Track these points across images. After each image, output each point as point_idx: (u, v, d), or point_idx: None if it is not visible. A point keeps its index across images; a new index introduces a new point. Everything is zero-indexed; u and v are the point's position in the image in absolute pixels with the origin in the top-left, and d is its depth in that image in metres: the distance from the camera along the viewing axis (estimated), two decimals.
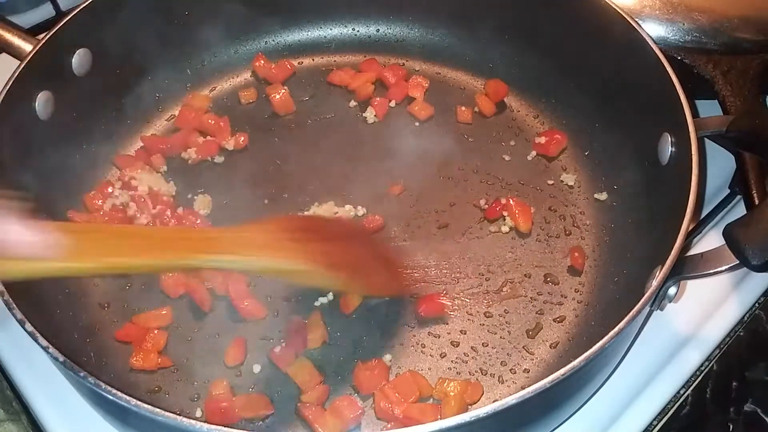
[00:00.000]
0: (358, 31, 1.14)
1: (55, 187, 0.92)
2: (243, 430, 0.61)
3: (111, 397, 0.63)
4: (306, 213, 0.94)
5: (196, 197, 0.97)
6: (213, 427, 0.60)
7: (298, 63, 1.12)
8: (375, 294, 0.86)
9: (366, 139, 1.04)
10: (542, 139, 1.01)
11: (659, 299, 0.74)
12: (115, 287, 0.88)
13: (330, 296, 0.87)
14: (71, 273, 0.61)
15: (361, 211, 0.95)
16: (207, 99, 1.07)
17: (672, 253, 0.69)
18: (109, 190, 0.95)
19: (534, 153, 1.01)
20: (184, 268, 0.73)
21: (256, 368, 0.82)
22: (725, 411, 0.85)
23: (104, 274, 0.67)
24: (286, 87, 1.08)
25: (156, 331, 0.84)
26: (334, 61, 1.13)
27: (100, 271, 0.66)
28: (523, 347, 0.84)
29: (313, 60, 1.13)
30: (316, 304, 0.87)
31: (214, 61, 1.10)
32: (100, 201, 0.94)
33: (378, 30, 1.14)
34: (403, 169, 1.00)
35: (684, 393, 0.85)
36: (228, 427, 0.60)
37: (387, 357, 0.83)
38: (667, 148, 0.83)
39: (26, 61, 0.86)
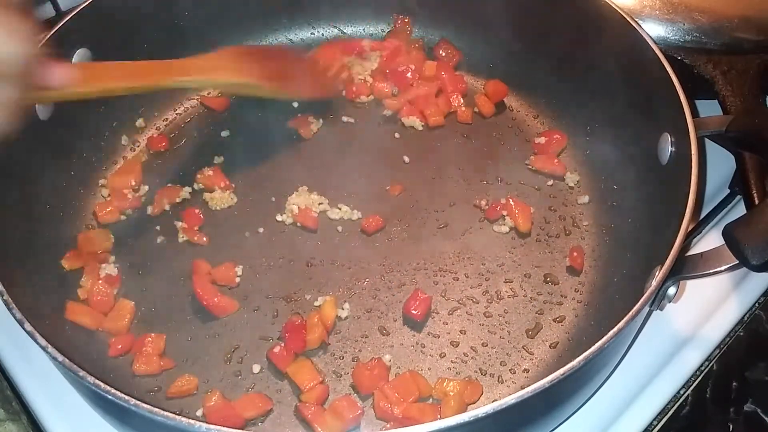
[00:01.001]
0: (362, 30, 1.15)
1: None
2: (243, 430, 0.61)
3: (110, 397, 0.63)
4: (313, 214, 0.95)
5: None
6: (213, 427, 0.60)
7: None
8: (306, 95, 1.06)
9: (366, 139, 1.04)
10: (542, 139, 1.01)
11: (659, 299, 0.74)
12: None
13: (328, 297, 0.87)
14: (81, 96, 0.78)
15: (356, 215, 0.95)
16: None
17: (671, 252, 0.69)
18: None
19: (534, 153, 1.01)
20: (164, 87, 0.93)
21: (256, 368, 0.82)
22: (725, 411, 0.85)
23: (106, 95, 0.84)
24: None
25: (153, 335, 0.83)
26: None
27: (104, 93, 0.83)
28: (523, 347, 0.84)
29: None
30: (316, 303, 0.87)
31: None
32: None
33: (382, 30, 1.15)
34: (403, 169, 1.00)
35: (684, 393, 0.85)
36: (228, 427, 0.60)
37: (387, 357, 0.83)
38: (667, 147, 0.83)
39: None
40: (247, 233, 0.94)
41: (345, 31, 1.15)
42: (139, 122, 1.05)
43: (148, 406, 0.62)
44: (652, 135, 0.86)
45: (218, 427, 0.60)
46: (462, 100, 1.06)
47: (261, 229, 0.94)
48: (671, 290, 0.73)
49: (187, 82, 0.95)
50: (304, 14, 1.13)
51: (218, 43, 1.07)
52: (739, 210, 0.97)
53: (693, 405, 0.85)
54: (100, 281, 0.87)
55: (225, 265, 0.90)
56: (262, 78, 0.98)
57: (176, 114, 1.07)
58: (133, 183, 0.98)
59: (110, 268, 0.89)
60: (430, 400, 0.80)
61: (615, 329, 0.65)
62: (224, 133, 1.05)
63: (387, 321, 0.86)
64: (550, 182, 0.98)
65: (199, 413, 0.78)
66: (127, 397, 0.62)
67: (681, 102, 0.80)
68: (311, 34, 1.14)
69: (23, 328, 0.67)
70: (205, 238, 0.93)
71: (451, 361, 0.83)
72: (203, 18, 1.06)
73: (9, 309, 0.69)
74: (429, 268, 0.90)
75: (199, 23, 1.05)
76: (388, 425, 0.78)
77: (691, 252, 0.89)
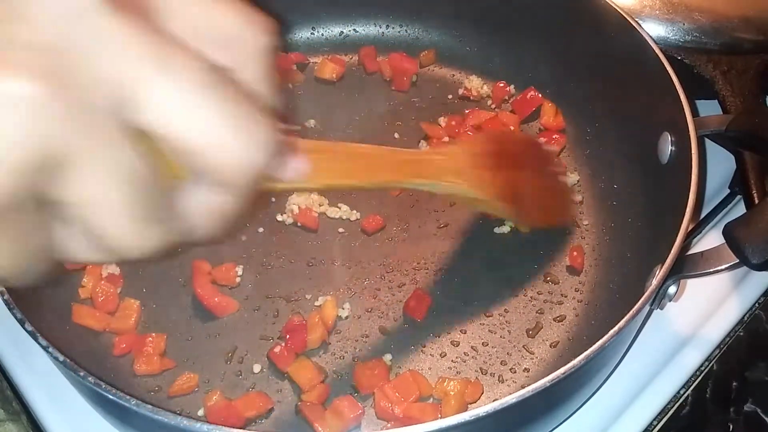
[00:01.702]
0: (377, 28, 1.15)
1: None
2: (243, 430, 0.61)
3: (112, 397, 0.63)
4: (314, 214, 0.95)
5: None
6: (213, 426, 0.60)
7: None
8: (545, 225, 0.90)
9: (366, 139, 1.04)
10: (542, 140, 1.01)
11: (659, 298, 0.74)
12: None
13: (328, 297, 0.87)
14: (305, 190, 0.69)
15: (356, 215, 0.95)
16: None
17: (672, 252, 0.69)
18: None
19: None
20: (396, 187, 0.81)
21: (256, 368, 0.82)
22: (725, 411, 0.85)
23: (329, 189, 0.74)
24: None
25: (154, 335, 0.83)
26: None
27: (327, 188, 0.73)
28: (523, 346, 0.84)
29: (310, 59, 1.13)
30: (317, 303, 0.87)
31: None
32: None
33: (382, 32, 1.15)
34: None
35: (684, 393, 0.85)
36: (229, 427, 0.60)
37: (387, 357, 0.83)
38: (667, 147, 0.84)
39: None
40: (247, 233, 0.94)
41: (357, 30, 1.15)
42: None
43: (150, 406, 0.61)
44: (652, 134, 0.86)
45: (219, 427, 0.60)
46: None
47: (261, 229, 0.94)
48: (672, 289, 0.73)
49: (426, 185, 0.73)
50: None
51: None
52: (739, 210, 0.97)
53: (693, 405, 0.85)
54: (102, 281, 0.87)
55: (225, 266, 0.90)
56: (499, 196, 0.79)
57: None
58: None
59: (113, 267, 0.89)
60: (431, 399, 0.80)
61: (616, 328, 0.65)
62: None
63: (387, 321, 0.86)
64: None
65: (200, 413, 0.79)
66: (128, 397, 0.62)
67: (681, 101, 0.80)
68: (311, 34, 1.15)
69: (24, 328, 0.67)
70: None
71: (452, 361, 0.83)
72: None
73: (10, 309, 0.69)
74: (429, 268, 0.90)
75: None
76: (389, 425, 0.78)
77: (692, 251, 0.89)
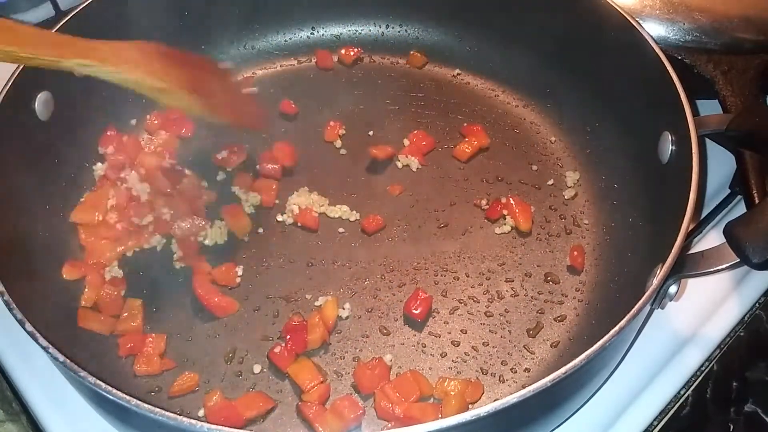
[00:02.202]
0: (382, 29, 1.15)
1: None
2: (243, 430, 0.61)
3: (112, 398, 0.63)
4: (314, 214, 0.95)
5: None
6: (213, 426, 0.60)
7: (296, 62, 1.13)
8: (229, 120, 0.94)
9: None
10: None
11: (660, 297, 0.74)
12: None
13: (329, 297, 0.87)
14: None
15: (356, 215, 0.95)
16: None
17: (673, 251, 0.69)
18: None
19: (534, 152, 1.01)
20: (63, 68, 0.77)
21: (257, 368, 0.82)
22: (726, 411, 0.85)
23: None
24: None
25: (154, 336, 0.83)
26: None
27: None
28: (524, 346, 0.84)
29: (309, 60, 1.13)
30: (317, 303, 0.87)
31: (235, 55, 1.12)
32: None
33: (381, 33, 1.15)
34: (403, 170, 1.00)
35: (684, 393, 0.85)
36: (229, 427, 0.60)
37: (387, 357, 0.83)
38: (667, 147, 0.84)
39: None
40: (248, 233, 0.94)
41: (342, 33, 1.15)
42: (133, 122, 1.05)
43: (150, 406, 0.61)
44: (652, 134, 0.86)
45: (219, 427, 0.60)
46: None
47: (261, 230, 0.94)
48: (672, 288, 0.73)
49: (90, 67, 0.78)
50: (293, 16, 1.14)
51: (226, 42, 1.08)
52: (739, 210, 0.97)
53: (693, 405, 0.85)
54: (106, 285, 0.87)
55: (225, 266, 0.90)
56: (181, 85, 0.85)
57: None
58: None
59: (116, 270, 0.89)
60: (432, 399, 0.80)
61: (616, 328, 0.65)
62: None
63: (388, 321, 0.86)
64: (551, 181, 0.98)
65: (200, 413, 0.78)
66: (128, 398, 0.62)
67: (681, 101, 0.80)
68: (309, 36, 1.15)
69: (24, 329, 0.67)
70: None
71: (452, 361, 0.83)
72: (205, 17, 1.06)
73: (10, 309, 0.69)
74: (429, 268, 0.90)
75: (200, 23, 1.05)
76: (389, 425, 0.77)
77: (692, 251, 0.89)
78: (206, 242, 0.92)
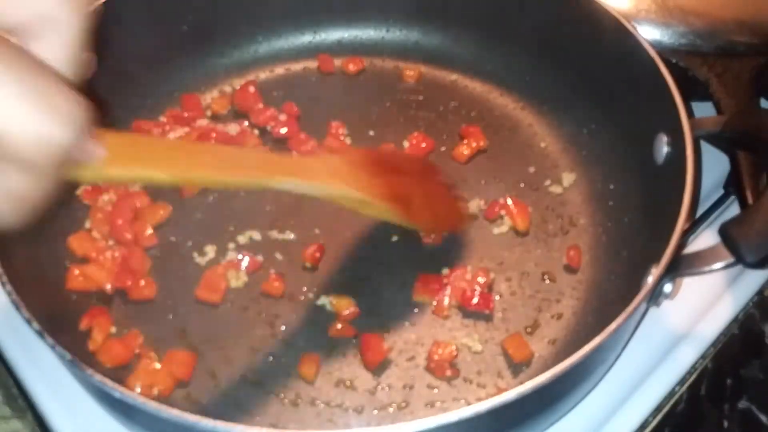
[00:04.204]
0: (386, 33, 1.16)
1: None
2: (249, 426, 0.62)
3: (118, 395, 0.64)
4: None
5: None
6: (219, 423, 0.61)
7: (298, 66, 1.14)
8: (432, 229, 0.91)
9: None
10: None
11: (655, 296, 0.75)
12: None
13: (331, 301, 0.88)
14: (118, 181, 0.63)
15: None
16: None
17: (668, 251, 0.70)
18: None
19: (531, 153, 1.02)
20: (261, 187, 0.74)
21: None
22: (720, 408, 0.87)
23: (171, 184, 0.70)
24: None
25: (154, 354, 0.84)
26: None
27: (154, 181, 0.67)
28: None
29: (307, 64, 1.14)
30: (318, 303, 0.88)
31: (234, 59, 1.12)
32: None
33: (382, 38, 1.16)
34: None
35: (679, 390, 0.86)
36: (235, 423, 0.61)
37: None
38: (662, 148, 0.85)
39: None
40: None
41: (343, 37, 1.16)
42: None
43: (156, 403, 0.62)
44: (647, 135, 0.88)
45: (225, 423, 0.61)
46: None
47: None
48: (667, 287, 0.74)
49: (286, 184, 0.72)
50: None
51: (228, 46, 1.07)
52: (733, 210, 0.99)
53: (688, 402, 0.86)
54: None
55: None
56: (383, 197, 0.80)
57: None
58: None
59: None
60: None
61: (613, 325, 0.66)
62: None
63: (388, 319, 0.87)
64: (548, 182, 0.99)
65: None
66: (134, 395, 0.64)
67: (676, 103, 0.81)
68: (311, 41, 1.16)
69: (31, 327, 0.68)
70: None
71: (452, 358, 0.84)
72: (207, 22, 1.07)
73: (17, 308, 0.69)
74: (429, 268, 0.91)
75: (202, 27, 1.06)
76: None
77: (687, 250, 0.90)
78: None
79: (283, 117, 1.05)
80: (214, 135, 1.01)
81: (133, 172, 0.58)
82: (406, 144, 1.03)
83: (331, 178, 0.76)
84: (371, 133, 1.05)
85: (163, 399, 0.80)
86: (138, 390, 0.79)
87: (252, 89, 1.08)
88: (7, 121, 0.40)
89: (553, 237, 0.94)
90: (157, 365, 0.81)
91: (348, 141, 1.04)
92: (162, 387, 0.80)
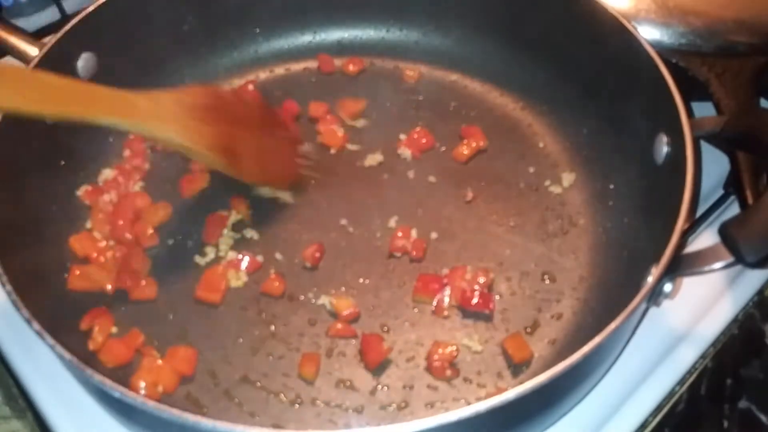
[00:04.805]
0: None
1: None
2: (249, 426, 0.62)
3: (117, 395, 0.64)
4: None
5: None
6: (219, 423, 0.61)
7: (298, 66, 1.14)
8: (261, 182, 0.92)
9: None
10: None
11: (655, 296, 0.75)
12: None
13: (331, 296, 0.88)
14: None
15: None
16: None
17: (668, 250, 0.70)
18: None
19: (531, 153, 1.03)
20: (88, 124, 0.73)
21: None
22: (719, 408, 0.87)
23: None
24: None
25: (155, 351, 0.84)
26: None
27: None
28: None
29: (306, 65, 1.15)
30: (319, 302, 0.88)
31: (234, 59, 1.13)
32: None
33: (382, 38, 1.16)
34: (402, 171, 1.02)
35: (679, 390, 0.86)
36: (235, 423, 0.61)
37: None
38: (662, 148, 0.85)
39: (32, 64, 0.87)
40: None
41: (343, 37, 1.16)
42: None
43: (156, 403, 0.63)
44: (647, 135, 0.88)
45: (224, 423, 0.61)
46: None
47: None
48: (667, 287, 0.74)
49: (110, 121, 0.74)
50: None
51: (228, 46, 1.08)
52: (733, 210, 0.99)
53: (688, 402, 0.86)
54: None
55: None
56: (211, 146, 0.81)
57: None
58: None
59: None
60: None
61: (612, 325, 0.66)
62: None
63: (388, 319, 0.87)
64: (548, 182, 1.00)
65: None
66: (134, 395, 0.63)
67: (676, 103, 0.81)
68: (311, 41, 1.16)
69: (31, 327, 0.68)
70: None
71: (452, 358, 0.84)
72: (207, 22, 1.07)
73: (17, 308, 0.70)
74: (429, 268, 0.91)
75: (203, 27, 1.06)
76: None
77: (687, 250, 0.90)
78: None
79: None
80: None
81: None
82: (403, 137, 1.04)
83: (157, 120, 0.76)
84: (371, 133, 1.06)
85: (167, 396, 0.80)
86: (143, 388, 0.79)
87: (252, 89, 1.08)
88: None
89: (553, 237, 0.94)
90: (160, 362, 0.82)
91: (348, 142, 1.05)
92: (166, 384, 0.80)
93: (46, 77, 0.70)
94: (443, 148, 1.04)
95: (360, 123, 1.06)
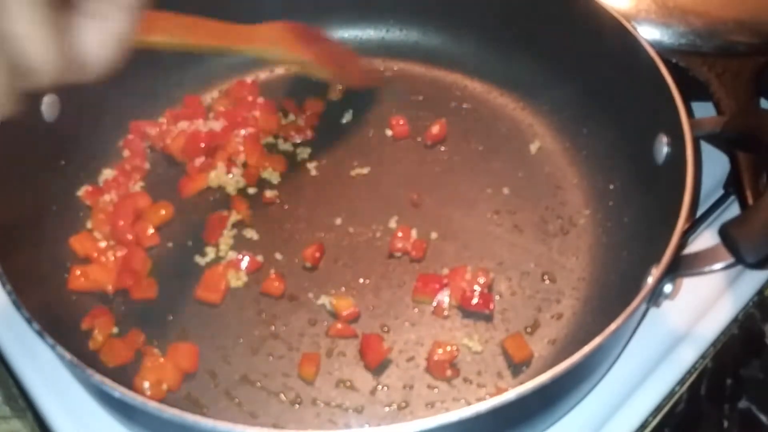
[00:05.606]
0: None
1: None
2: (249, 426, 0.62)
3: (118, 395, 0.64)
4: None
5: None
6: (219, 423, 0.61)
7: (287, 68, 1.13)
8: (351, 83, 1.09)
9: None
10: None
11: (655, 296, 0.75)
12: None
13: (330, 303, 0.89)
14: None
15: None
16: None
17: (668, 251, 0.71)
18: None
19: (531, 153, 1.03)
20: (230, 52, 0.97)
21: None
22: (719, 408, 0.87)
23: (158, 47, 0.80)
24: None
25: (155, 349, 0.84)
26: None
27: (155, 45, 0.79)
28: None
29: None
30: (319, 302, 0.88)
31: (234, 59, 1.11)
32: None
33: (382, 38, 1.16)
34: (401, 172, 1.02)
35: (679, 390, 0.86)
36: (235, 423, 0.61)
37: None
38: (662, 148, 0.85)
39: None
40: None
41: (343, 37, 1.16)
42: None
43: (156, 403, 0.63)
44: (648, 136, 0.88)
45: (224, 423, 0.61)
46: None
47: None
48: (668, 287, 0.74)
49: (250, 50, 0.95)
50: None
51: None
52: (733, 210, 0.99)
53: (688, 402, 0.86)
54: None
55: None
56: (317, 58, 1.01)
57: None
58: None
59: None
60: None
61: (613, 325, 0.66)
62: None
63: (388, 319, 0.87)
64: (547, 182, 0.99)
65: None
66: (134, 395, 0.64)
67: (676, 104, 0.81)
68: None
69: (31, 327, 0.68)
70: None
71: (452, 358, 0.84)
72: None
73: (17, 308, 0.70)
74: (429, 268, 0.91)
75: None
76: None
77: (687, 250, 0.90)
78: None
79: None
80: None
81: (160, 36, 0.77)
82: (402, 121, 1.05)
83: (278, 44, 0.96)
84: (372, 133, 1.06)
85: (172, 394, 0.80)
86: (147, 388, 0.79)
87: (252, 89, 1.08)
88: None
89: (553, 237, 0.94)
90: (162, 360, 0.82)
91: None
92: (170, 382, 0.80)
93: (187, 18, 0.82)
94: (443, 148, 1.04)
95: None
